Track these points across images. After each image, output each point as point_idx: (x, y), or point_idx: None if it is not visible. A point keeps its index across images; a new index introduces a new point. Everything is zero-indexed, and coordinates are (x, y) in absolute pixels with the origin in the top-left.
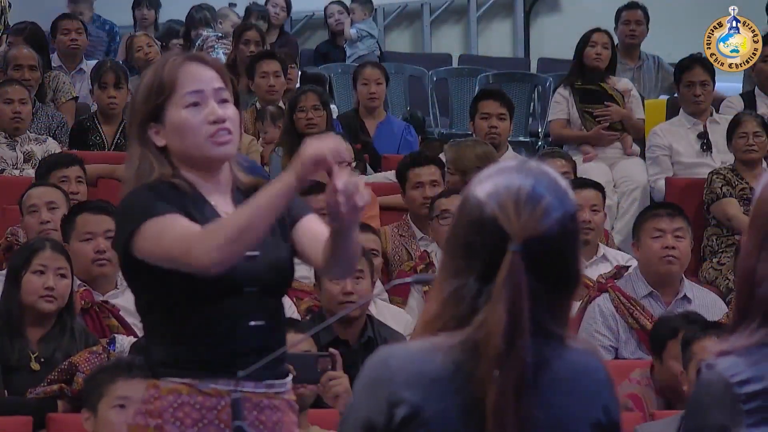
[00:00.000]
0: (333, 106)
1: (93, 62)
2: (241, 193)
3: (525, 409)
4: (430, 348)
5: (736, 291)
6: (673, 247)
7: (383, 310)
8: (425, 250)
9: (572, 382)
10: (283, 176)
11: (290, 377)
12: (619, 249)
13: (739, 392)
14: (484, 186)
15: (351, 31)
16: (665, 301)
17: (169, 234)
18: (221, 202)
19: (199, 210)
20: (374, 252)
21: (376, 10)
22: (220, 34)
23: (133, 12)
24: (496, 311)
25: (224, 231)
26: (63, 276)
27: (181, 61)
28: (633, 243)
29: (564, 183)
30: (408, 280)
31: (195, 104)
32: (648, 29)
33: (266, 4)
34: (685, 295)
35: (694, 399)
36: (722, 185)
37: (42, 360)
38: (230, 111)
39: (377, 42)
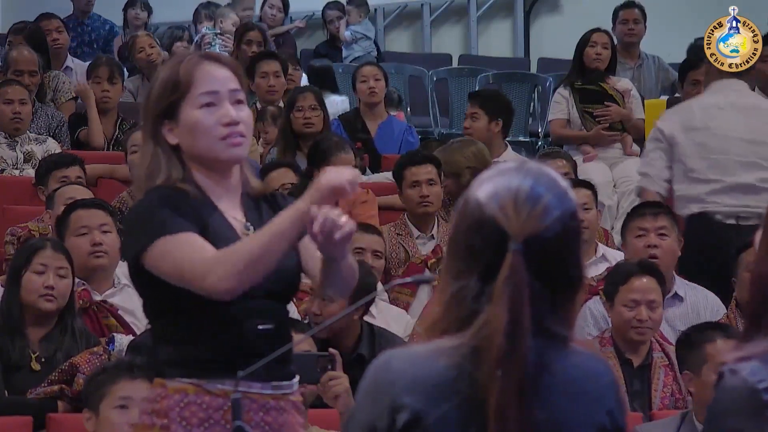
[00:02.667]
0: (340, 98)
1: (79, 61)
2: (251, 199)
3: (527, 410)
4: (433, 352)
5: (750, 297)
6: (656, 246)
7: (384, 311)
8: (438, 245)
9: (575, 385)
10: (297, 203)
11: (297, 378)
12: (619, 249)
13: (766, 399)
14: (484, 187)
15: (345, 34)
16: None
17: (183, 256)
18: (230, 207)
19: (206, 216)
20: (378, 254)
21: (375, 10)
22: (218, 31)
23: (125, 13)
24: (497, 311)
25: (240, 258)
26: (63, 276)
27: (198, 60)
28: (622, 243)
29: (563, 182)
30: (408, 280)
31: (209, 105)
32: (646, 27)
33: (263, 5)
34: (676, 293)
35: (716, 403)
36: None
37: (43, 360)
38: (244, 113)
39: (374, 43)
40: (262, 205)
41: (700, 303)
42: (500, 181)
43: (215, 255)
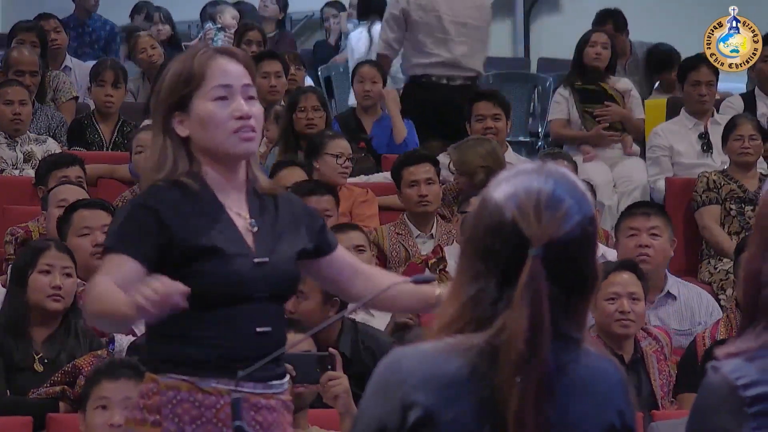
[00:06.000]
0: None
1: (78, 60)
2: (257, 196)
3: (544, 413)
4: (446, 350)
5: (742, 293)
6: (647, 245)
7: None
8: (438, 244)
9: (588, 386)
10: (129, 304)
11: (287, 378)
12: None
13: (744, 395)
14: (503, 189)
15: (348, 25)
16: (648, 299)
17: (99, 276)
18: (235, 203)
19: (208, 212)
20: (361, 248)
21: None
22: (219, 26)
23: (132, 19)
24: (517, 317)
25: (93, 306)
26: (69, 275)
27: (212, 54)
28: (615, 243)
29: (582, 186)
30: (408, 280)
31: (222, 98)
32: (629, 32)
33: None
34: (668, 292)
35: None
36: (703, 191)
37: (46, 361)
38: (255, 109)
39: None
40: (268, 204)
41: (693, 301)
42: (520, 183)
43: (93, 289)
